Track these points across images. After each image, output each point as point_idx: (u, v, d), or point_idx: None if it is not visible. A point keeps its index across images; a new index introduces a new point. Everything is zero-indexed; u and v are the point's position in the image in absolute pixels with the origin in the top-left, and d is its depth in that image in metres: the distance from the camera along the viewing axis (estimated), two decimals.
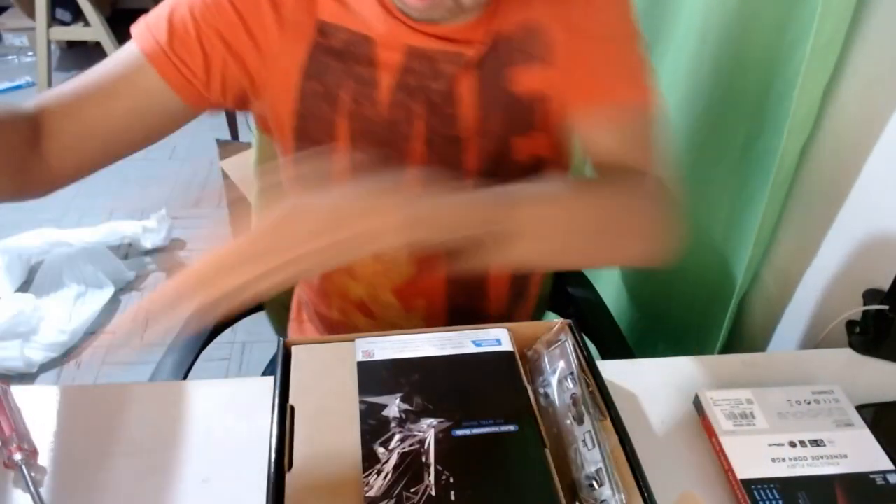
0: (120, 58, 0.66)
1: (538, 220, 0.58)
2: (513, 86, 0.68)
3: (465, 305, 0.81)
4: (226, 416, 0.65)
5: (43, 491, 0.58)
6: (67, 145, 0.66)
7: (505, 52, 0.67)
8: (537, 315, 1.05)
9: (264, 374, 1.04)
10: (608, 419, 0.58)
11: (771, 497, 0.57)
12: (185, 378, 0.85)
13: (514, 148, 0.71)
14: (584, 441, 0.56)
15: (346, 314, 0.85)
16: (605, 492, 0.51)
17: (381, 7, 0.66)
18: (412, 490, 0.51)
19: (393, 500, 0.50)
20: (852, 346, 0.76)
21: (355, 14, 0.66)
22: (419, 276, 0.78)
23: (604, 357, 0.93)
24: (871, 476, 0.59)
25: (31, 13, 2.81)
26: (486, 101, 0.68)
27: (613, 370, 0.69)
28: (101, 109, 0.66)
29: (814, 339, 0.84)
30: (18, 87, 3.01)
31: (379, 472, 0.52)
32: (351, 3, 0.66)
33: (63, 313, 1.80)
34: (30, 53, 3.23)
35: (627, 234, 0.66)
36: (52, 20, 2.83)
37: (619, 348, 0.96)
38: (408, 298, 0.80)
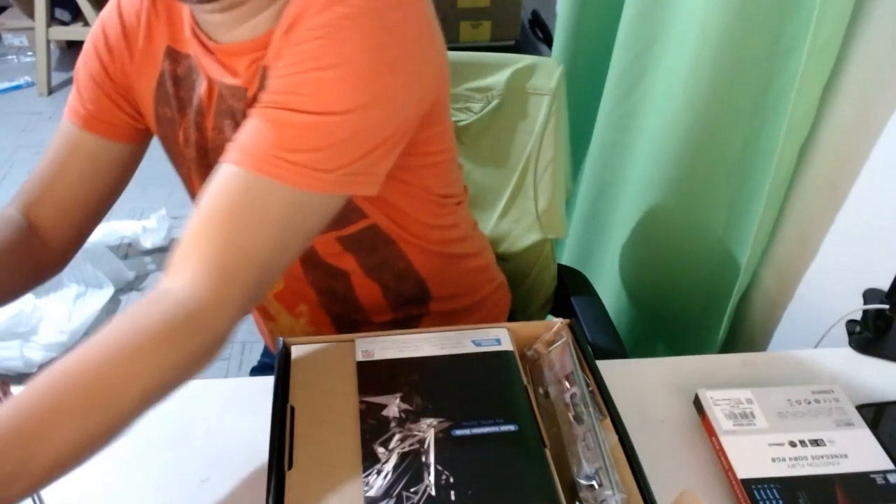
0: (59, 136, 0.73)
1: None
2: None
3: (342, 313, 0.81)
4: (226, 416, 0.65)
5: (43, 491, 0.58)
6: (57, 226, 0.74)
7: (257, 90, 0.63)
8: (539, 317, 1.05)
9: (252, 373, 1.04)
10: (608, 419, 0.58)
11: (771, 497, 0.57)
12: None
13: None
14: (584, 441, 0.56)
15: (256, 315, 0.89)
16: (605, 491, 0.51)
17: (192, 33, 0.67)
18: (412, 490, 0.51)
19: (393, 500, 0.50)
20: (852, 345, 0.76)
21: (186, 39, 0.69)
22: (287, 285, 0.79)
23: (598, 359, 0.92)
24: (872, 476, 0.59)
25: (30, 13, 2.81)
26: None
27: (613, 370, 0.68)
28: (65, 187, 0.73)
29: (814, 339, 0.84)
30: (18, 87, 3.01)
31: (379, 472, 0.52)
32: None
33: (63, 313, 1.80)
34: (29, 53, 3.23)
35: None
36: (52, 20, 2.83)
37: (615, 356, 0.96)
38: (290, 304, 0.82)
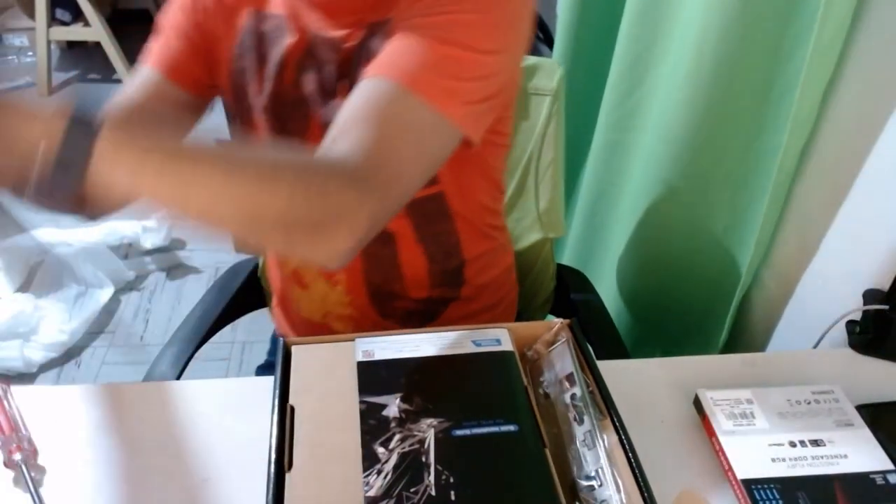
0: (138, 80, 0.75)
1: (129, 151, 0.48)
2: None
3: (382, 283, 0.82)
4: (226, 416, 0.65)
5: (43, 491, 0.58)
6: None
7: (372, 45, 0.66)
8: (538, 318, 1.05)
9: (258, 372, 1.04)
10: (608, 419, 0.58)
11: (771, 497, 0.57)
12: (181, 375, 0.85)
13: None
14: (584, 441, 0.56)
15: (286, 284, 0.89)
16: (605, 492, 0.51)
17: None
18: (412, 490, 0.51)
19: (393, 500, 0.50)
20: (852, 345, 0.76)
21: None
22: None
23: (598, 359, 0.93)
24: (871, 476, 0.59)
25: (30, 13, 2.81)
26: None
27: (613, 370, 0.68)
28: (140, 121, 0.68)
29: (814, 339, 0.84)
30: (18, 88, 3.01)
31: (379, 472, 0.52)
32: None
33: (63, 313, 1.80)
34: (29, 54, 3.23)
35: (260, 208, 0.52)
36: (52, 20, 2.83)
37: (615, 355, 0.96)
38: (329, 270, 0.82)
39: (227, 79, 0.77)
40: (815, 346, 0.83)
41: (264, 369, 1.03)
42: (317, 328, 0.88)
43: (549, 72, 0.94)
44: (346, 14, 0.68)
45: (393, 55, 0.60)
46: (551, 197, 0.98)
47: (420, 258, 0.80)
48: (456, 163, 0.67)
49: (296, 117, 0.73)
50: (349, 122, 0.57)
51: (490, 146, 0.75)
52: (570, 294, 1.03)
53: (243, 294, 1.02)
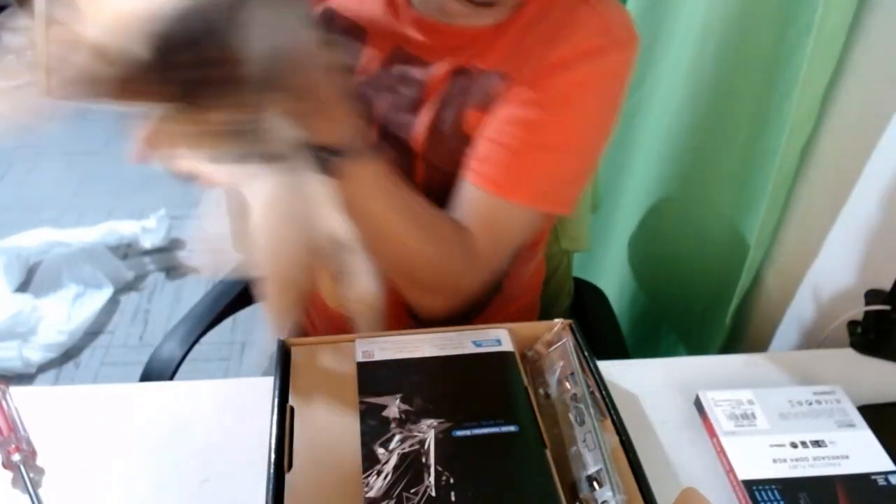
0: None
1: (373, 176, 0.57)
2: (464, 124, 0.69)
3: None
4: (226, 416, 0.65)
5: (41, 492, 0.58)
6: None
7: (463, 88, 0.69)
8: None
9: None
10: (609, 419, 0.58)
11: (772, 498, 0.57)
12: (188, 352, 0.85)
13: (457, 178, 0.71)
14: (584, 441, 0.55)
15: None
16: (606, 492, 0.51)
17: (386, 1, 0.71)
18: (412, 491, 0.51)
19: (393, 501, 0.50)
20: (854, 346, 0.76)
21: (360, 3, 0.72)
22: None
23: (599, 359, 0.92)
24: (873, 477, 0.59)
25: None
26: (437, 129, 0.70)
27: (614, 370, 0.68)
28: None
29: (815, 340, 0.84)
30: (17, 88, 3.01)
31: (379, 473, 0.52)
32: None
33: (62, 314, 1.80)
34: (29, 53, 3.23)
35: (419, 260, 0.64)
36: None
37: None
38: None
39: None
40: (816, 347, 0.83)
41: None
42: (339, 320, 0.87)
43: None
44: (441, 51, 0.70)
45: (490, 160, 0.67)
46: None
47: None
48: None
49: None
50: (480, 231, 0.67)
51: None
52: (585, 310, 1.02)
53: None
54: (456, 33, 0.69)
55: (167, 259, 2.08)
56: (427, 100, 0.70)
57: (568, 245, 0.99)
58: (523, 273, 0.85)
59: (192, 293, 1.95)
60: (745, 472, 0.59)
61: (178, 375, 0.89)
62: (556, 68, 0.66)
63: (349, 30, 0.72)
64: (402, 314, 0.83)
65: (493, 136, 0.67)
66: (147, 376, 0.85)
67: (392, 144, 0.72)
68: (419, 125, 0.70)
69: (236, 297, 0.99)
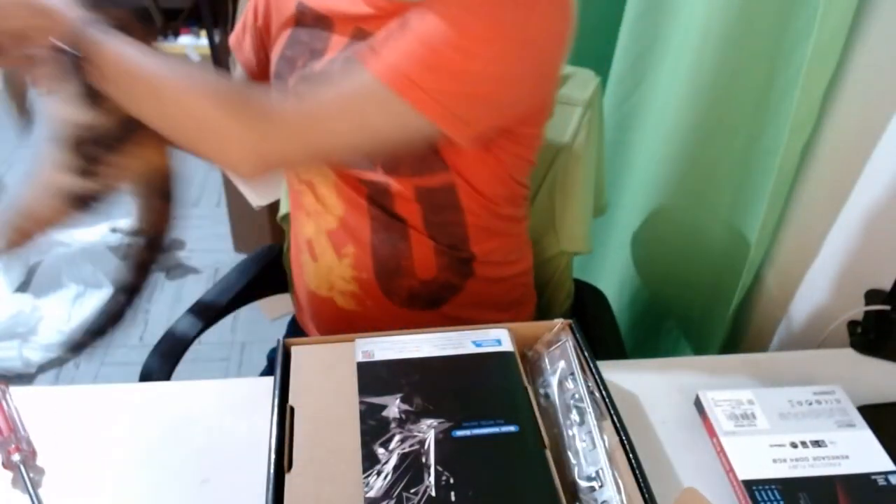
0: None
1: (110, 55, 0.60)
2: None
3: (389, 258, 0.82)
4: (226, 416, 0.65)
5: (41, 492, 0.58)
6: None
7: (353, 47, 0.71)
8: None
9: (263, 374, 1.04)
10: (609, 419, 0.58)
11: (772, 498, 0.57)
12: (171, 374, 0.86)
13: None
14: (584, 441, 0.55)
15: (300, 252, 0.92)
16: (606, 492, 0.51)
17: None
18: (412, 490, 0.51)
19: (393, 501, 0.50)
20: (854, 346, 0.76)
21: None
22: (344, 222, 0.82)
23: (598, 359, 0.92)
24: (873, 477, 0.59)
25: None
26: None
27: (614, 370, 0.68)
28: None
29: (815, 340, 0.84)
30: None
31: (379, 473, 0.52)
32: None
33: (62, 313, 1.80)
34: None
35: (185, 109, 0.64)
36: None
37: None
38: (339, 243, 0.84)
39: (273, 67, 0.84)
40: (816, 347, 0.83)
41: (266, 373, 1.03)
42: (322, 303, 0.89)
43: (583, 82, 0.92)
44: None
45: (382, 45, 0.64)
46: (575, 211, 0.96)
47: (427, 244, 0.81)
48: (471, 160, 0.72)
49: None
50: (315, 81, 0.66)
51: (512, 157, 0.77)
52: (586, 311, 1.02)
53: (266, 274, 1.05)
54: (403, 6, 0.69)
55: (167, 259, 2.08)
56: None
57: (568, 247, 0.98)
58: (492, 253, 0.84)
59: (191, 293, 1.95)
60: (745, 472, 0.59)
61: (177, 376, 0.89)
62: None
63: (318, 20, 0.75)
64: (377, 293, 0.84)
65: (396, 29, 0.65)
66: (159, 350, 0.88)
67: None
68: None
69: (252, 281, 1.02)
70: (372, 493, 0.50)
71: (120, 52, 0.60)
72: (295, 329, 1.04)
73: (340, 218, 0.82)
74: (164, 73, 0.62)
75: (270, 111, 0.63)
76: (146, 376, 0.85)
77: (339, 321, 0.89)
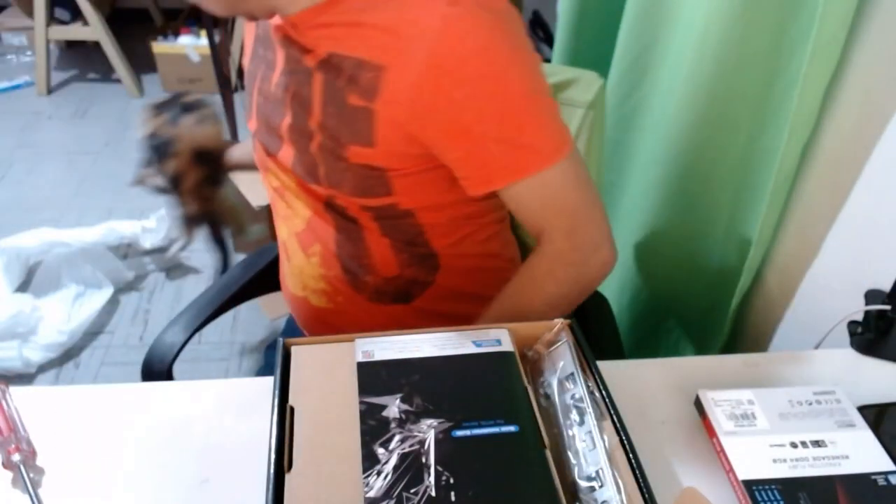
0: None
1: None
2: (349, 100, 0.71)
3: (352, 257, 0.83)
4: (226, 416, 0.65)
5: (41, 492, 0.58)
6: None
7: (338, 69, 0.71)
8: None
9: (259, 373, 1.04)
10: (609, 419, 0.58)
11: (772, 498, 0.57)
12: (195, 332, 0.86)
13: (350, 153, 0.73)
14: (584, 441, 0.55)
15: (280, 255, 0.94)
16: (606, 492, 0.51)
17: None
18: (412, 491, 0.51)
19: (393, 501, 0.50)
20: (854, 346, 0.76)
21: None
22: (308, 225, 0.84)
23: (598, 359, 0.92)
24: (873, 477, 0.59)
25: (29, 12, 2.81)
26: (327, 104, 0.73)
27: (614, 370, 0.68)
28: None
29: (815, 340, 0.84)
30: (17, 87, 3.01)
31: (379, 473, 0.52)
32: None
33: (62, 314, 1.80)
34: (28, 53, 3.23)
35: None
36: (51, 19, 2.83)
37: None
38: (306, 244, 0.86)
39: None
40: (816, 347, 0.83)
41: (264, 372, 1.04)
42: (299, 302, 0.90)
43: (587, 84, 0.93)
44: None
45: (479, 166, 0.71)
46: None
47: (384, 242, 0.82)
48: (414, 188, 0.76)
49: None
50: (538, 228, 0.75)
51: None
52: (586, 313, 1.02)
53: (266, 274, 1.06)
54: (307, 14, 0.71)
55: (167, 259, 2.08)
56: (313, 84, 0.73)
57: None
58: (459, 245, 0.85)
59: (192, 293, 1.95)
60: (745, 472, 0.59)
61: (177, 376, 0.89)
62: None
63: (267, 32, 0.78)
64: (347, 290, 0.86)
65: (460, 153, 0.70)
66: (148, 362, 0.87)
67: (296, 129, 0.77)
68: (314, 105, 0.74)
69: (240, 288, 1.02)
70: (372, 493, 0.50)
71: None
72: (293, 328, 1.04)
73: (307, 220, 0.84)
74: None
75: (574, 249, 0.75)
76: (148, 367, 0.86)
77: (316, 320, 0.90)
